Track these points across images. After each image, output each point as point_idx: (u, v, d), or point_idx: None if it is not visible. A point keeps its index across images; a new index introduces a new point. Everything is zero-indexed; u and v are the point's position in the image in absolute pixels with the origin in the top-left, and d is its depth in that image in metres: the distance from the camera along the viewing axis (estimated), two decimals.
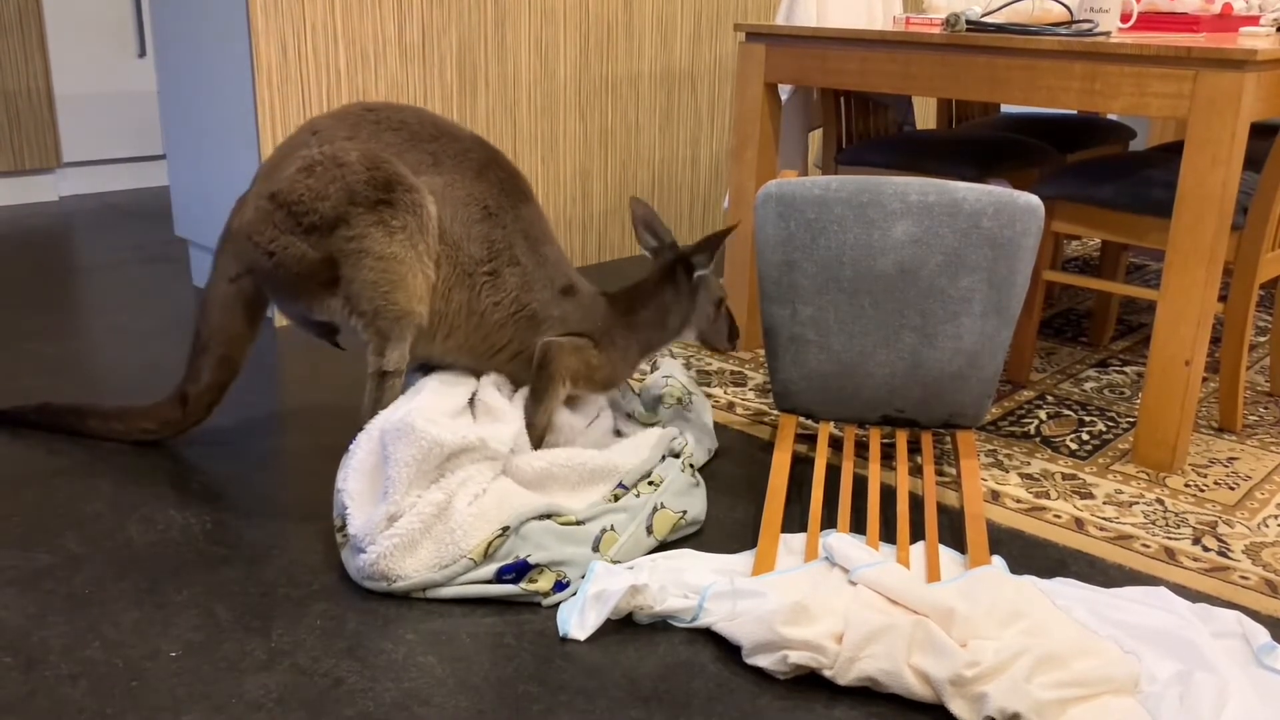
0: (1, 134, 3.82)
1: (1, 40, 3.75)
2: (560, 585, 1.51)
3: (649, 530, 1.63)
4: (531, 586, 1.50)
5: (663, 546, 1.65)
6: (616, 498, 1.67)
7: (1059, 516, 1.81)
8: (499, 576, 1.50)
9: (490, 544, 1.50)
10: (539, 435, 1.78)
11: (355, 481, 1.59)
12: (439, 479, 1.56)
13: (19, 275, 3.08)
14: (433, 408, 1.66)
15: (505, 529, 1.51)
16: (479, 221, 1.76)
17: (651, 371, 2.15)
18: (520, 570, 1.50)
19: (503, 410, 1.74)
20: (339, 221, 1.67)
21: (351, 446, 1.62)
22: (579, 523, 1.58)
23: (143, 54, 4.12)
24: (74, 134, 4.02)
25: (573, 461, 1.69)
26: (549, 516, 1.57)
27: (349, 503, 1.56)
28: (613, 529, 1.59)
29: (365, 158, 1.68)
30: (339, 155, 1.68)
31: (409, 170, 1.72)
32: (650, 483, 1.70)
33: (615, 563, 1.55)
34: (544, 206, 3.16)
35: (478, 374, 1.84)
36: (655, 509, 1.65)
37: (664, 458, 1.76)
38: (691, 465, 1.78)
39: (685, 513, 1.69)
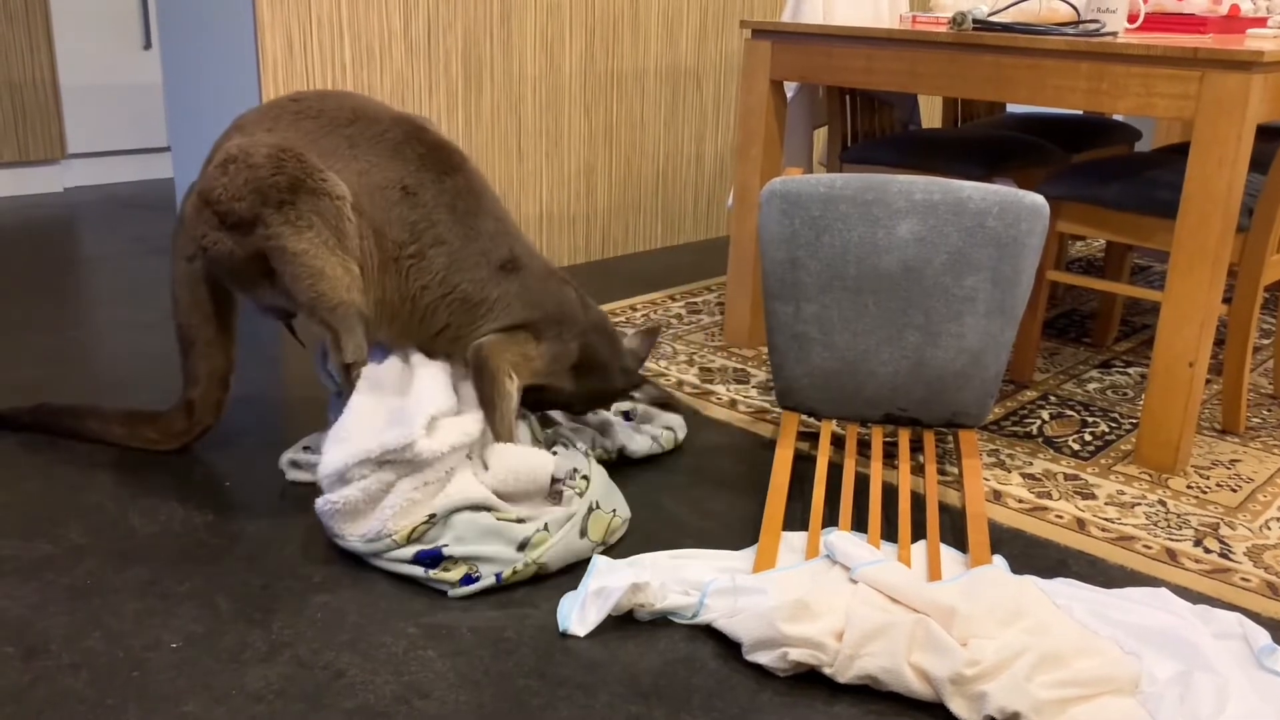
0: (7, 125, 3.82)
1: (7, 31, 3.75)
2: (468, 579, 1.50)
3: (583, 533, 1.60)
4: (441, 575, 1.51)
5: (606, 551, 1.62)
6: (557, 495, 1.66)
7: (1061, 517, 1.81)
8: (415, 559, 1.53)
9: (415, 529, 1.54)
10: (505, 438, 1.72)
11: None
12: (405, 474, 1.57)
13: (22, 266, 3.09)
14: (430, 404, 1.64)
15: (432, 516, 1.54)
16: (397, 203, 1.71)
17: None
18: (434, 558, 1.52)
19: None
20: (256, 221, 1.65)
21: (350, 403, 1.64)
22: (519, 520, 1.57)
23: (148, 46, 4.12)
24: (79, 125, 4.02)
25: (519, 470, 1.65)
26: (488, 509, 1.57)
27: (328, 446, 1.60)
28: (546, 528, 1.56)
29: (272, 157, 1.65)
30: (250, 154, 1.65)
31: (322, 160, 1.68)
32: (584, 477, 1.68)
33: (541, 565, 1.54)
34: (548, 202, 3.16)
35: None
36: (591, 509, 1.63)
37: (585, 453, 1.77)
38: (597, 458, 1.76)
39: (615, 511, 1.67)
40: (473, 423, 1.65)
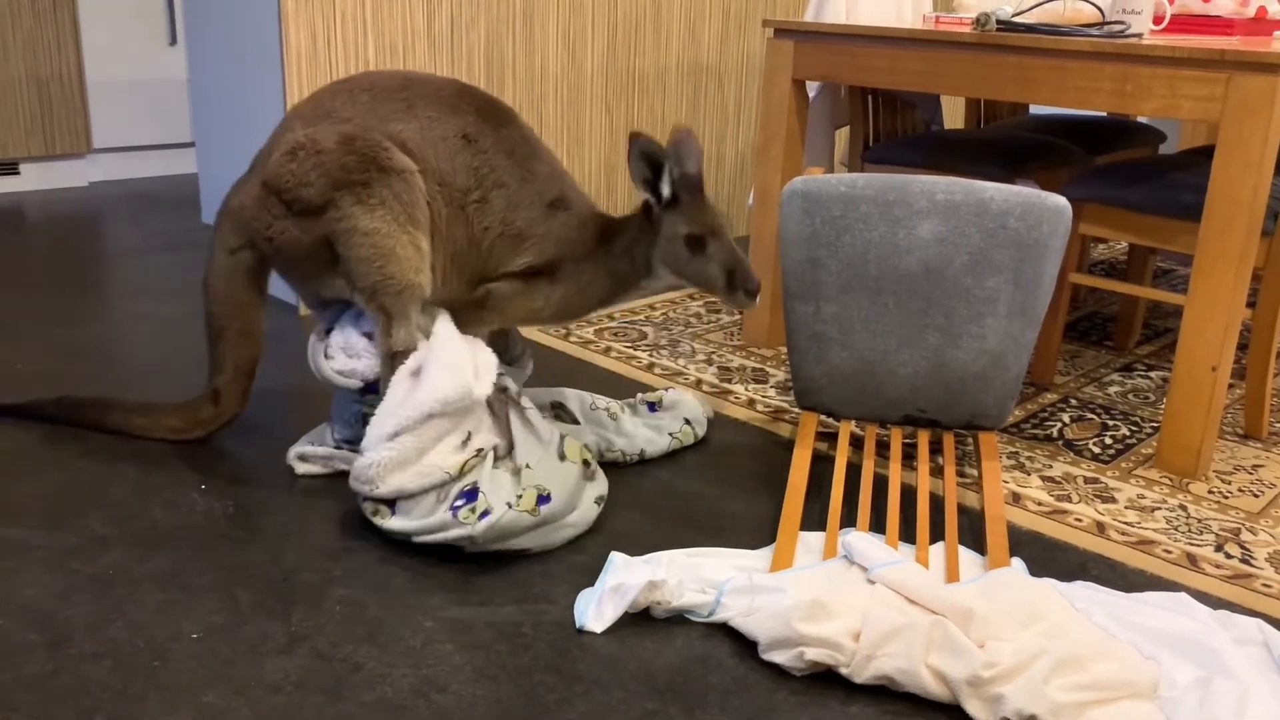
0: (33, 119, 3.85)
1: (35, 27, 3.78)
2: (485, 514, 1.56)
3: (561, 456, 1.68)
4: (466, 515, 1.55)
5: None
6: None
7: (1080, 520, 1.80)
8: (459, 496, 1.58)
9: (467, 463, 1.60)
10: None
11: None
12: (455, 424, 1.64)
13: (47, 259, 3.12)
14: (464, 352, 1.70)
15: (480, 450, 1.63)
16: (460, 151, 1.77)
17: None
18: (470, 497, 1.58)
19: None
20: (327, 205, 1.70)
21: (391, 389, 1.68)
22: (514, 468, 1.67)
23: (174, 42, 4.15)
24: (104, 120, 4.05)
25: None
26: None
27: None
28: (528, 466, 1.65)
29: (342, 141, 1.70)
30: (319, 141, 1.70)
31: (385, 129, 1.73)
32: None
33: (539, 486, 1.60)
34: None
35: None
36: (562, 436, 1.74)
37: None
38: (586, 462, 1.76)
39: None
40: (492, 356, 1.74)
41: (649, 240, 1.79)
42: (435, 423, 1.61)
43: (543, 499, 1.60)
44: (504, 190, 1.79)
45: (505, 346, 1.95)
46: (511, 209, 1.79)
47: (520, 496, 1.58)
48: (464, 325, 1.80)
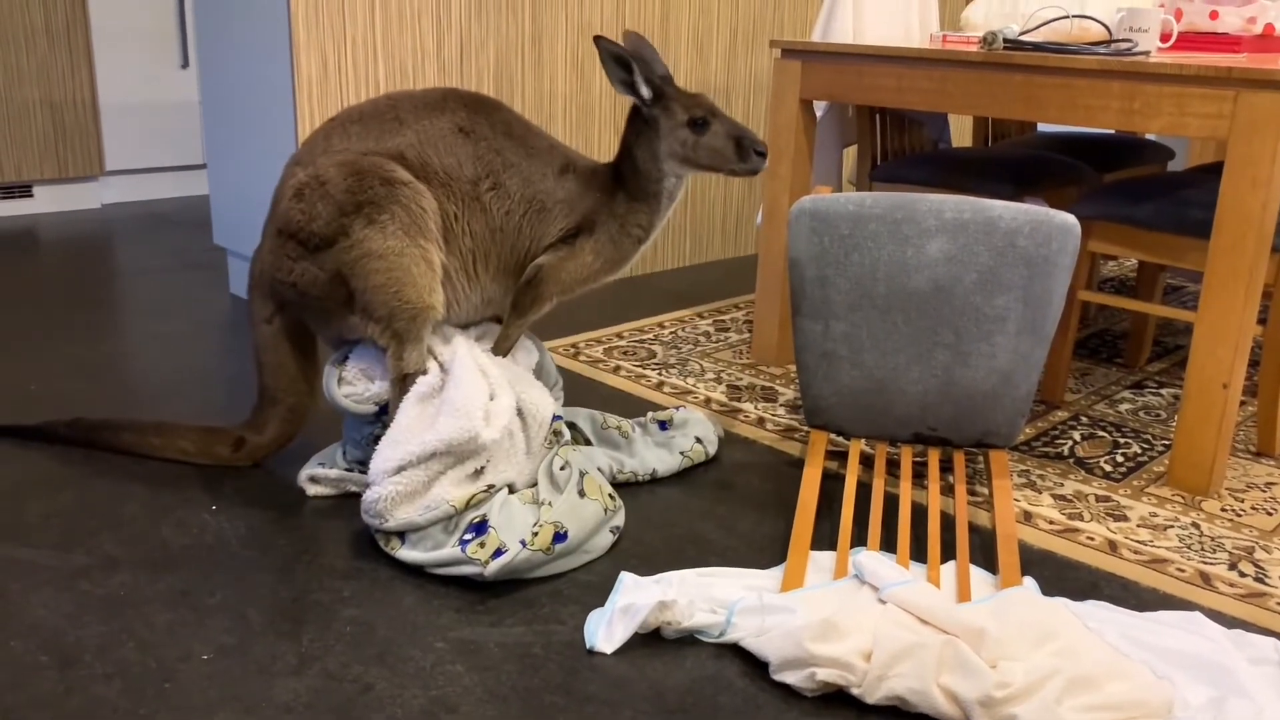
0: (47, 142, 3.89)
1: (49, 51, 3.82)
2: (499, 552, 1.55)
3: (581, 494, 1.68)
4: (476, 552, 1.54)
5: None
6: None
7: (1092, 539, 1.79)
8: (466, 530, 1.58)
9: (473, 496, 1.61)
10: (507, 347, 1.88)
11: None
12: (457, 461, 1.65)
13: (61, 280, 3.14)
14: (478, 394, 1.70)
15: (490, 486, 1.64)
16: (460, 144, 1.79)
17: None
18: (479, 530, 1.58)
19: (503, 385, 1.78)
20: (338, 234, 1.70)
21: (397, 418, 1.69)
22: (535, 501, 1.68)
23: (186, 65, 4.19)
24: (117, 143, 4.09)
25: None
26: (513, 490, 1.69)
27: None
28: (550, 504, 1.66)
29: (341, 167, 1.71)
30: (320, 175, 1.72)
31: (382, 148, 1.75)
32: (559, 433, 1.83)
33: (556, 523, 1.59)
34: None
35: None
36: (583, 474, 1.72)
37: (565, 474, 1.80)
38: (612, 496, 1.75)
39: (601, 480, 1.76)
40: (509, 400, 1.73)
41: (651, 140, 1.83)
42: (442, 458, 1.62)
43: (559, 536, 1.59)
44: (515, 170, 1.81)
45: (539, 376, 1.94)
46: (528, 185, 1.82)
47: (536, 534, 1.57)
48: (525, 310, 1.85)
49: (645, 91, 1.80)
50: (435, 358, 1.77)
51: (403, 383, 1.74)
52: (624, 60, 1.78)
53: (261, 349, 1.87)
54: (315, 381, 1.89)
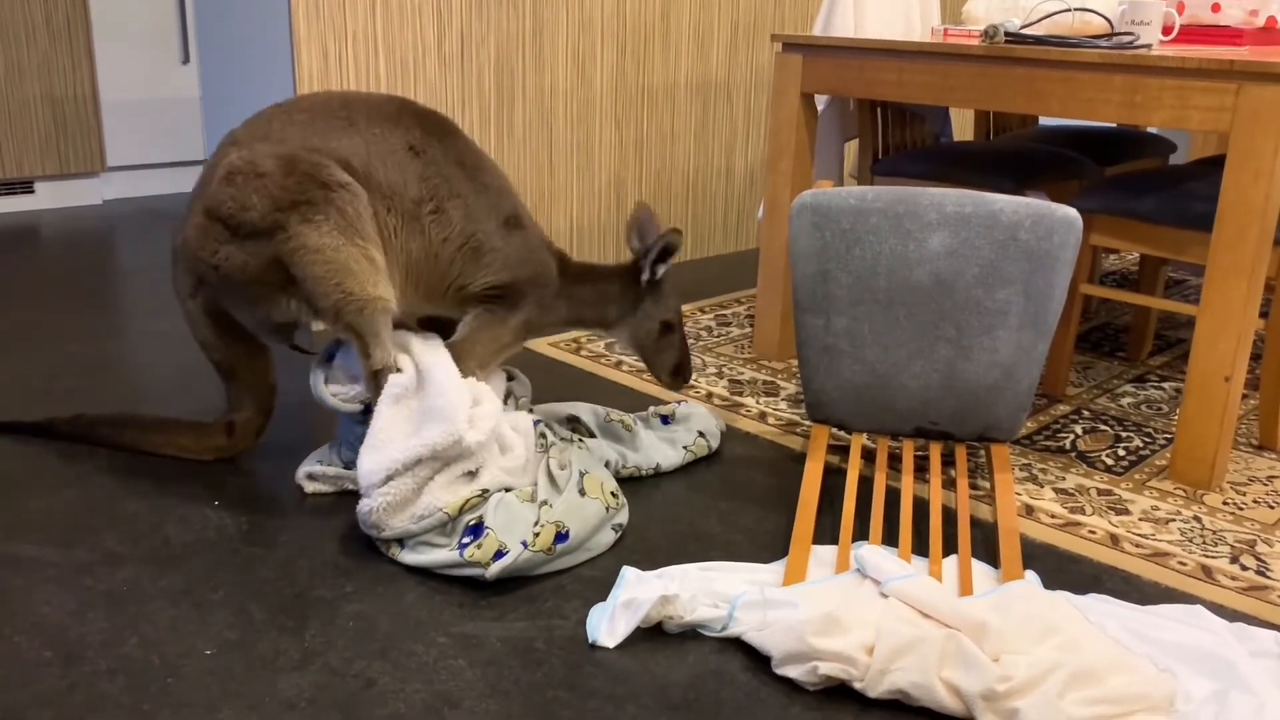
0: (48, 138, 3.89)
1: (50, 47, 3.82)
2: (500, 554, 1.54)
3: (582, 492, 1.67)
4: (475, 554, 1.53)
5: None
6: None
7: (1094, 532, 1.79)
8: (463, 533, 1.58)
9: (467, 501, 1.60)
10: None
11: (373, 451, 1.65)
12: (445, 465, 1.64)
13: (62, 276, 3.14)
14: (461, 401, 1.68)
15: (484, 491, 1.62)
16: (409, 162, 1.77)
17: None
18: (475, 533, 1.57)
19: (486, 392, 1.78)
20: (274, 227, 1.66)
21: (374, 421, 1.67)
22: (534, 500, 1.66)
23: (186, 61, 4.18)
24: (118, 139, 4.08)
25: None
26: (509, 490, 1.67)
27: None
28: (548, 503, 1.65)
29: (280, 162, 1.67)
30: (255, 164, 1.68)
31: (325, 147, 1.71)
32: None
33: (558, 523, 1.59)
34: (579, 215, 3.18)
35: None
36: (583, 473, 1.72)
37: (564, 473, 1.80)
38: (614, 493, 1.75)
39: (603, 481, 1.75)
40: (494, 403, 1.73)
41: (631, 302, 1.93)
42: (429, 463, 1.61)
43: (560, 536, 1.58)
44: (460, 201, 1.80)
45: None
46: (469, 220, 1.80)
47: (537, 535, 1.57)
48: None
49: (647, 275, 1.92)
50: (409, 355, 1.76)
51: (375, 379, 1.71)
52: (646, 243, 1.92)
53: (194, 324, 1.85)
54: (254, 344, 1.88)
